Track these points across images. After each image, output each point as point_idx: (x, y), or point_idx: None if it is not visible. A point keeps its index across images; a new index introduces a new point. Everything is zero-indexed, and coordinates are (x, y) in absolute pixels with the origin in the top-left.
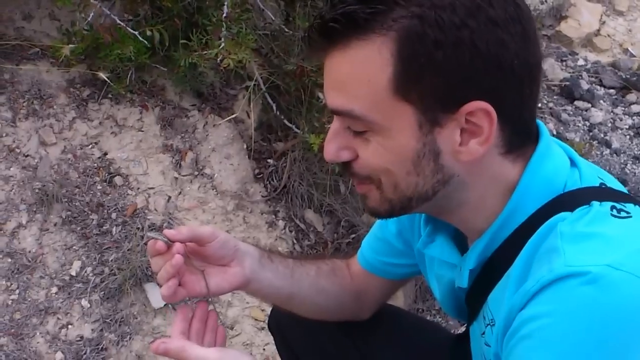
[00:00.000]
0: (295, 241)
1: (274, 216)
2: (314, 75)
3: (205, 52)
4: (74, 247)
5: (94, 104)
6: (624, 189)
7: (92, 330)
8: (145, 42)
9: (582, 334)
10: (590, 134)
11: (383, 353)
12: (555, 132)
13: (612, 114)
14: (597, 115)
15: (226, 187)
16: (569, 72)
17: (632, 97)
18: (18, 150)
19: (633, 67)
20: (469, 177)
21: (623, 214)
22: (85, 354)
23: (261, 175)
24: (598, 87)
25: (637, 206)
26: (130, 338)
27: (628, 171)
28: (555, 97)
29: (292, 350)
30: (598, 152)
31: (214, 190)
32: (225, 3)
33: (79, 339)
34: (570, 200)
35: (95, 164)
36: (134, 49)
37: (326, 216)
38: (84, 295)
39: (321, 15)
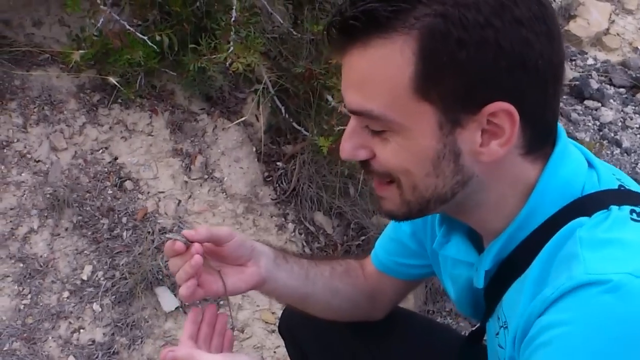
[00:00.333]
0: (305, 244)
1: (283, 219)
2: (322, 78)
3: (214, 56)
4: (85, 252)
5: (104, 109)
6: None
7: (103, 334)
8: (155, 46)
9: (602, 342)
10: (601, 133)
11: (394, 355)
12: (565, 132)
13: (622, 113)
14: (607, 114)
15: (236, 190)
16: (579, 72)
17: None
18: (29, 156)
19: None
20: (488, 178)
21: None
22: (97, 357)
23: (270, 178)
24: (608, 86)
25: None
26: (141, 342)
27: (639, 170)
28: (565, 96)
29: (302, 350)
30: (608, 152)
31: (224, 193)
32: (234, 7)
33: (90, 343)
34: (589, 204)
35: (106, 169)
36: (143, 54)
37: (336, 218)
38: (95, 299)
39: (341, 12)
